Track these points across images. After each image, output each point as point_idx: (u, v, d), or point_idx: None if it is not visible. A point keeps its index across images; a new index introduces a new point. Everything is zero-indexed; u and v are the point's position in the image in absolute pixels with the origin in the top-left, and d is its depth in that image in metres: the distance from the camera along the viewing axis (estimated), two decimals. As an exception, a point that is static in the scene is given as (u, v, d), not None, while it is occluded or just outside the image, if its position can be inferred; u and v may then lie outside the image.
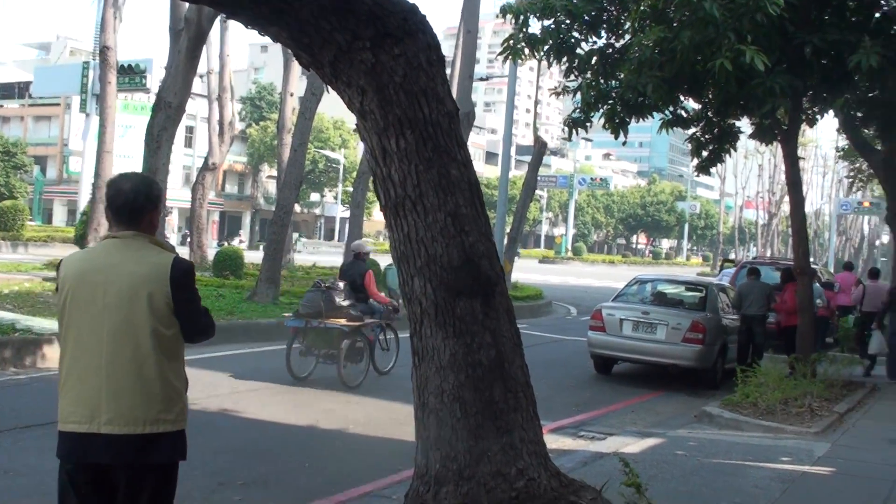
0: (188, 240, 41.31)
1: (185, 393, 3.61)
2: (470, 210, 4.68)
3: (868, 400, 11.93)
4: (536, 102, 27.41)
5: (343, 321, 10.73)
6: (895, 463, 8.22)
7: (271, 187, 73.36)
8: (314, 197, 74.86)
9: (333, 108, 50.68)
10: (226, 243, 47.69)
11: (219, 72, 28.03)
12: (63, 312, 3.52)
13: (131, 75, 33.30)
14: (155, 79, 35.91)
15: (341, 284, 11.14)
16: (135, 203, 3.53)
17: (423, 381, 4.64)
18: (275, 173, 71.14)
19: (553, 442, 7.85)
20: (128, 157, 46.89)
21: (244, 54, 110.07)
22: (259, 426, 8.50)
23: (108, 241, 3.57)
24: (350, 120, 69.99)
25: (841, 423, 10.16)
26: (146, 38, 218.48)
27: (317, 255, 48.14)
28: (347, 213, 76.61)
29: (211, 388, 10.01)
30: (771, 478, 7.40)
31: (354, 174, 68.52)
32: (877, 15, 11.95)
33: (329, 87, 4.95)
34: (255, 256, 25.08)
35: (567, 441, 8.71)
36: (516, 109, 22.77)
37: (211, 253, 26.65)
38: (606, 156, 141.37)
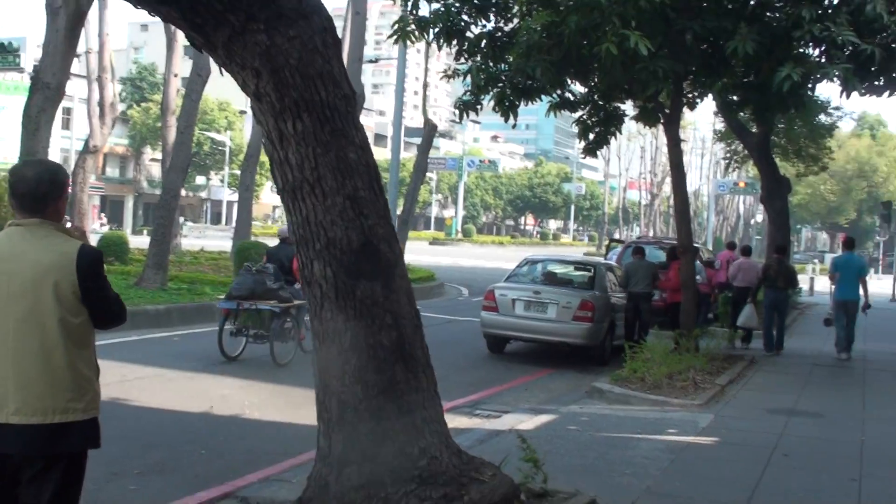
0: (68, 225, 39.91)
1: (97, 381, 3.57)
2: (368, 193, 4.70)
3: (747, 372, 12.48)
4: (426, 85, 27.44)
5: (274, 302, 11.20)
6: (774, 431, 8.65)
7: (154, 170, 71.33)
8: (200, 180, 73.19)
9: (219, 90, 49.56)
10: (112, 227, 46.25)
11: (98, 51, 27.00)
12: None
13: (4, 54, 31.76)
14: (29, 57, 34.38)
15: (270, 267, 11.65)
16: (38, 190, 3.44)
17: (325, 364, 4.65)
18: (158, 156, 69.17)
19: (450, 421, 7.95)
20: (0, 139, 44.86)
21: (123, 33, 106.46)
22: (152, 414, 8.33)
23: (11, 229, 3.48)
24: (236, 101, 68.68)
25: (723, 394, 10.61)
26: (18, 14, 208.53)
27: (203, 239, 47.11)
28: (234, 197, 75.09)
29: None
30: (660, 449, 7.69)
31: (241, 157, 67.37)
32: (752, 2, 12.42)
33: (222, 69, 4.86)
34: (138, 241, 24.44)
35: (463, 420, 8.83)
36: (405, 92, 22.74)
37: (93, 238, 25.79)
38: (494, 138, 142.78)
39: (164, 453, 7.00)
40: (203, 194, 77.57)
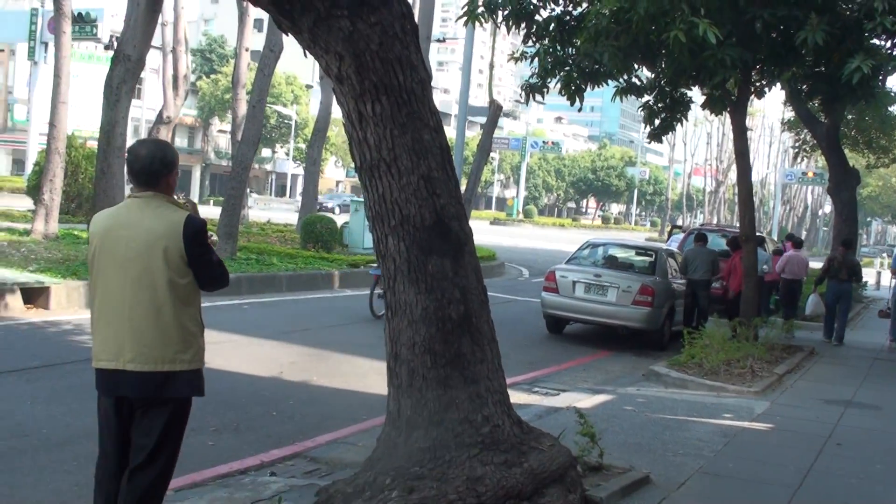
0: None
1: (202, 336, 4.09)
2: (441, 174, 4.95)
3: (806, 363, 12.51)
4: (492, 66, 27.55)
5: None
6: (829, 421, 8.74)
7: (222, 142, 72.59)
8: (265, 153, 74.27)
9: (286, 64, 50.17)
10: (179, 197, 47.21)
11: (173, 23, 27.66)
12: (93, 263, 3.98)
13: (82, 24, 32.69)
14: (105, 27, 35.34)
15: None
16: (150, 167, 3.95)
17: (396, 334, 4.92)
18: (226, 127, 70.38)
19: (510, 396, 8.22)
20: (73, 106, 46.04)
21: (195, 4, 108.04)
22: (225, 377, 8.72)
23: (130, 201, 4.01)
24: (303, 76, 69.45)
25: (780, 383, 10.69)
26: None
27: (268, 211, 47.90)
28: (299, 170, 76.21)
29: (174, 340, 10.21)
30: (714, 432, 7.86)
31: (307, 130, 68.23)
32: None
33: (306, 52, 5.14)
34: (205, 211, 24.99)
35: (522, 396, 9.08)
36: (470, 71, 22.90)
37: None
38: (558, 119, 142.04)
39: (238, 414, 7.38)
40: (269, 167, 78.72)
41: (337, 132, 64.62)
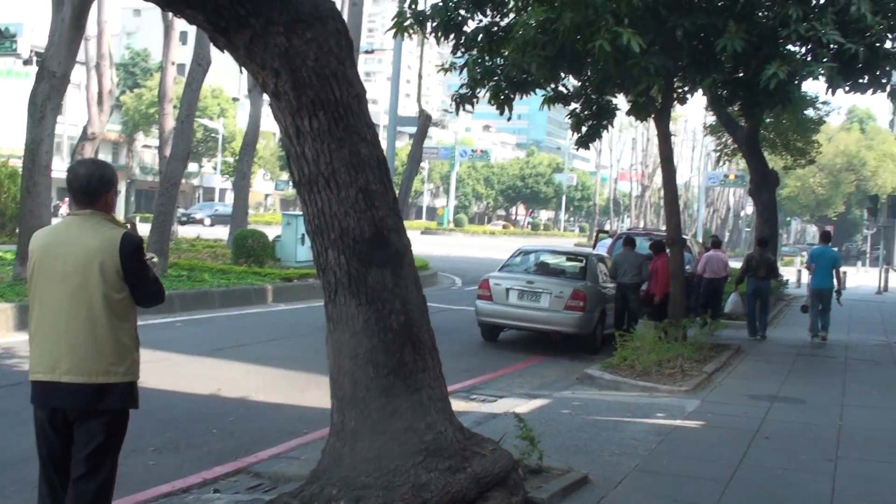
0: (58, 211, 39.88)
1: (137, 350, 4.21)
2: (379, 186, 5.04)
3: (733, 361, 12.87)
4: (420, 76, 27.73)
5: None
6: (756, 416, 9.04)
7: (147, 157, 71.38)
8: (192, 167, 73.12)
9: (212, 77, 49.56)
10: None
11: (97, 37, 27.19)
12: (31, 279, 4.13)
13: (1, 39, 31.91)
14: (25, 42, 34.52)
15: None
16: (89, 185, 4.08)
17: (338, 346, 4.99)
18: (151, 143, 69.18)
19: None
20: (-6, 125, 44.86)
21: (117, 18, 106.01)
22: (161, 395, 8.63)
23: (69, 218, 4.16)
24: (229, 88, 68.65)
25: (709, 381, 11.00)
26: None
27: (194, 226, 47.27)
28: (227, 184, 75.14)
29: (107, 360, 10.08)
30: (648, 431, 8.08)
31: (234, 144, 67.43)
32: (741, 0, 12.75)
33: (242, 68, 5.18)
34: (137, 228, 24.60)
35: (461, 403, 9.17)
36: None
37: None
38: (486, 127, 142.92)
39: (178, 432, 7.35)
40: (195, 181, 77.58)
41: (264, 145, 64.06)
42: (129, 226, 4.19)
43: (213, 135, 67.47)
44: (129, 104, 66.41)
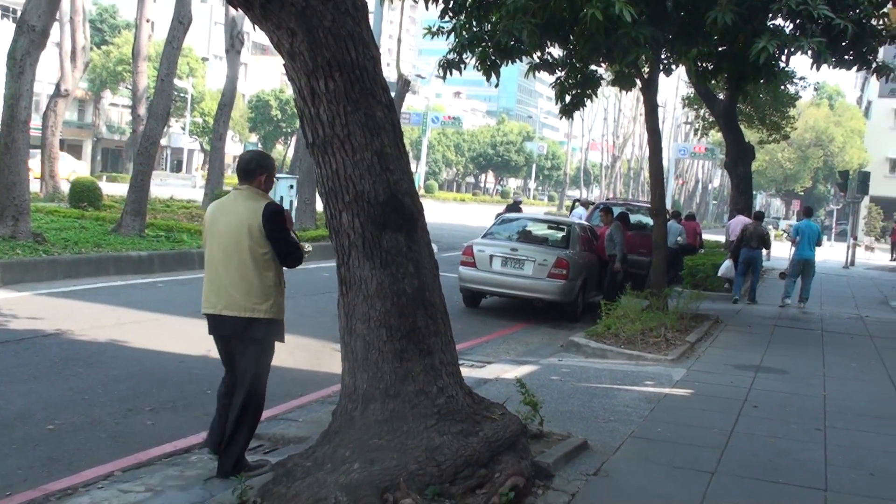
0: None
1: (281, 296, 5.31)
2: (394, 150, 5.01)
3: (713, 331, 13.03)
4: (399, 40, 27.52)
5: None
6: (743, 385, 9.17)
7: (114, 115, 70.36)
8: (160, 127, 72.10)
9: (184, 36, 48.75)
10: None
11: (69, -7, 26.62)
12: (205, 236, 5.41)
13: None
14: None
15: None
16: (248, 167, 5.36)
17: (351, 309, 4.98)
18: (118, 101, 68.22)
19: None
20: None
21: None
22: (152, 356, 8.60)
23: (232, 192, 5.45)
24: (198, 48, 67.59)
25: (693, 351, 11.14)
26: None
27: (165, 187, 46.68)
28: (195, 145, 74.25)
29: (94, 319, 10.00)
30: (638, 399, 8.17)
31: (203, 105, 66.61)
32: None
33: (255, 26, 5.11)
34: (103, 188, 24.28)
35: (450, 368, 9.21)
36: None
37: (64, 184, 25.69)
38: (457, 94, 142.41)
39: (173, 392, 7.31)
40: (164, 141, 76.49)
41: (234, 106, 63.23)
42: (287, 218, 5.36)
43: (181, 94, 66.45)
44: (96, 61, 65.12)
